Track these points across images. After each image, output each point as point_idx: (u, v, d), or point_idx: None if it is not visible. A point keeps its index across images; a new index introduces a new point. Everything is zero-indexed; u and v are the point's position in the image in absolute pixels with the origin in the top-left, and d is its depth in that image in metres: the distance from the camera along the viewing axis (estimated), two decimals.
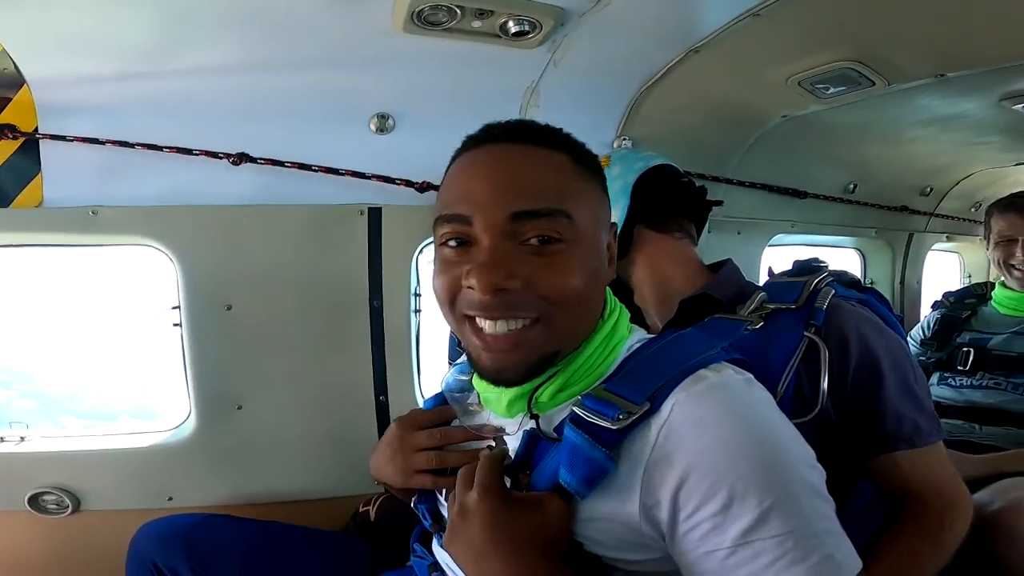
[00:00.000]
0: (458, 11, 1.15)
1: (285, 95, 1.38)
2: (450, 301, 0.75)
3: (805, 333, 0.91)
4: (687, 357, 0.72)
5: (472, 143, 0.77)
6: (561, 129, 0.79)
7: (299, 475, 1.57)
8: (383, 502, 1.42)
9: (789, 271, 1.07)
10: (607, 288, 0.83)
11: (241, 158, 1.40)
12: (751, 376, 0.73)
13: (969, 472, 1.44)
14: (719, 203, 1.32)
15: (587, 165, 0.78)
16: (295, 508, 1.53)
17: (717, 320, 0.94)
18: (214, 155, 1.39)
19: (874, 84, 1.46)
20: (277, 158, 1.44)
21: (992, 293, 1.92)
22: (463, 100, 1.45)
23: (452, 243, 0.74)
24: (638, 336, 0.83)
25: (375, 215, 1.57)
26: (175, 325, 1.47)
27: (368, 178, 1.51)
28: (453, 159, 0.79)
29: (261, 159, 1.42)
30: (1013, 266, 1.81)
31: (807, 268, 1.04)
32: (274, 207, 1.50)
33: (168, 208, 1.43)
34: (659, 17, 1.29)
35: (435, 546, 0.89)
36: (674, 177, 1.21)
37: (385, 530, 1.36)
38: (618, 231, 1.07)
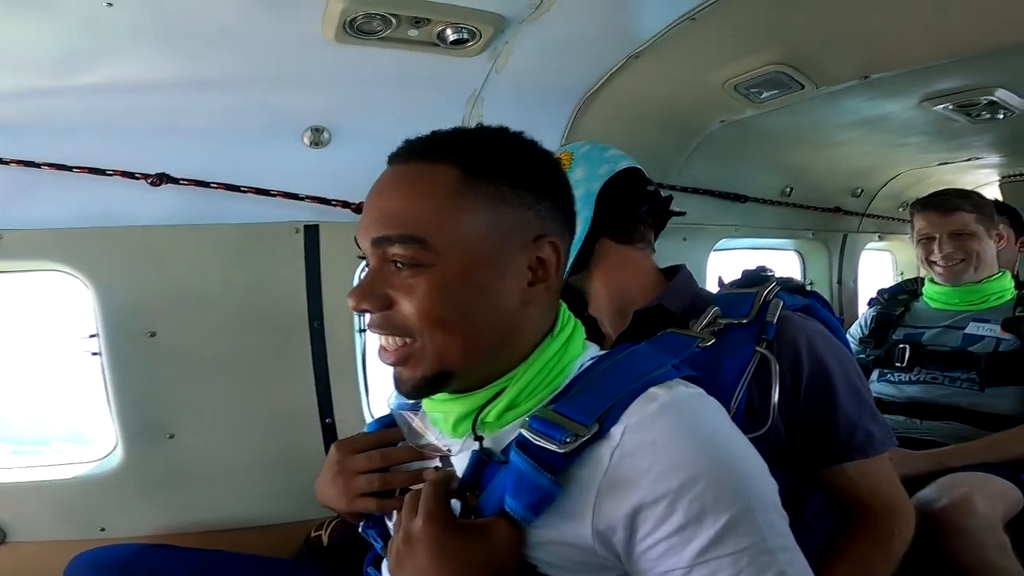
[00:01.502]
0: (393, 20, 1.12)
1: (210, 111, 1.32)
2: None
3: (757, 348, 0.91)
4: (638, 375, 0.70)
5: (388, 161, 0.77)
6: (464, 135, 0.76)
7: (244, 502, 1.49)
8: (336, 526, 1.36)
9: (738, 281, 1.07)
10: (561, 304, 0.79)
11: (161, 179, 1.33)
12: (702, 391, 0.72)
13: (914, 468, 1.49)
14: (682, 213, 1.25)
15: (484, 174, 0.71)
16: (242, 536, 1.46)
17: (669, 336, 0.92)
18: (130, 175, 1.32)
19: (803, 87, 1.50)
20: (201, 178, 1.36)
21: (923, 289, 1.97)
22: (404, 112, 1.41)
23: (365, 264, 0.76)
24: (591, 353, 0.80)
25: (312, 233, 1.51)
26: (93, 354, 1.38)
27: (302, 199, 1.45)
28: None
29: (184, 180, 1.35)
30: (934, 262, 1.86)
31: (756, 279, 1.05)
32: (200, 227, 1.42)
33: (80, 231, 1.34)
34: (599, 23, 1.29)
35: (385, 569, 0.84)
36: (641, 183, 1.14)
37: (339, 555, 1.30)
38: (579, 242, 1.06)
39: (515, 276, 0.72)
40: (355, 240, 0.75)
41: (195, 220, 1.41)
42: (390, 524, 0.84)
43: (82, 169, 1.28)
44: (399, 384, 0.74)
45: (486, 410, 0.73)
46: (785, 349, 0.93)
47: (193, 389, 1.45)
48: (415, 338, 0.70)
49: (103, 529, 1.41)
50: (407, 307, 0.69)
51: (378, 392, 1.64)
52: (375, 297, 0.70)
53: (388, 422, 0.89)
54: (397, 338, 0.71)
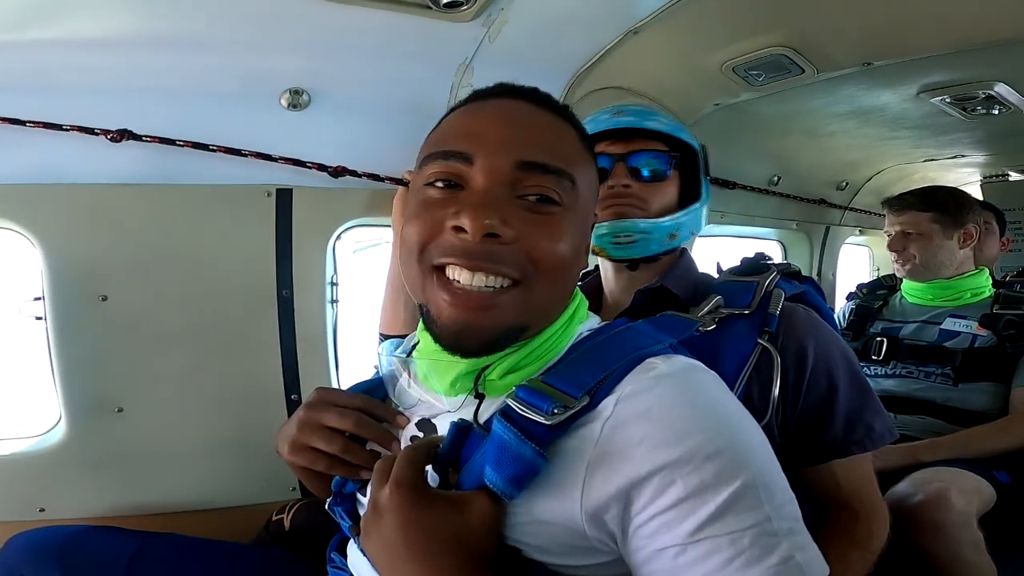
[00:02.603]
0: None
1: (182, 69, 1.23)
2: (420, 249, 0.68)
3: (759, 341, 0.90)
4: (633, 348, 0.67)
5: (483, 94, 0.75)
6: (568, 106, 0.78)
7: (199, 483, 1.42)
8: (298, 510, 1.30)
9: (738, 269, 1.06)
10: None
11: (122, 135, 1.23)
12: (703, 365, 0.69)
13: (889, 462, 1.51)
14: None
15: (589, 145, 0.77)
16: (196, 518, 1.39)
17: (669, 316, 0.90)
18: (90, 131, 1.22)
19: (804, 72, 1.48)
20: (168, 135, 1.27)
21: (901, 284, 1.99)
22: (390, 77, 1.34)
23: (440, 183, 0.69)
24: (590, 323, 0.77)
25: (284, 197, 1.42)
26: (37, 318, 1.28)
27: (275, 160, 1.37)
28: (453, 109, 0.77)
29: (147, 136, 1.26)
30: (893, 261, 1.91)
31: (756, 267, 1.04)
32: (162, 187, 1.32)
33: (29, 187, 1.24)
34: None
35: (351, 550, 0.81)
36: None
37: (301, 539, 1.25)
38: None
39: (589, 241, 0.78)
40: (436, 154, 0.69)
41: (157, 180, 1.31)
42: (361, 502, 0.79)
43: (36, 124, 1.19)
44: (462, 334, 0.67)
45: (491, 367, 0.69)
46: (790, 344, 0.92)
47: (146, 359, 1.36)
48: (523, 280, 0.66)
49: (42, 510, 1.32)
50: (537, 243, 0.66)
51: (348, 368, 1.58)
52: (504, 222, 0.64)
53: (369, 387, 0.85)
54: (496, 277, 0.66)
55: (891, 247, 1.89)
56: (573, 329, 0.74)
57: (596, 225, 0.99)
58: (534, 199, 0.67)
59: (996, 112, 1.70)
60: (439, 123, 0.76)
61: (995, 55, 1.39)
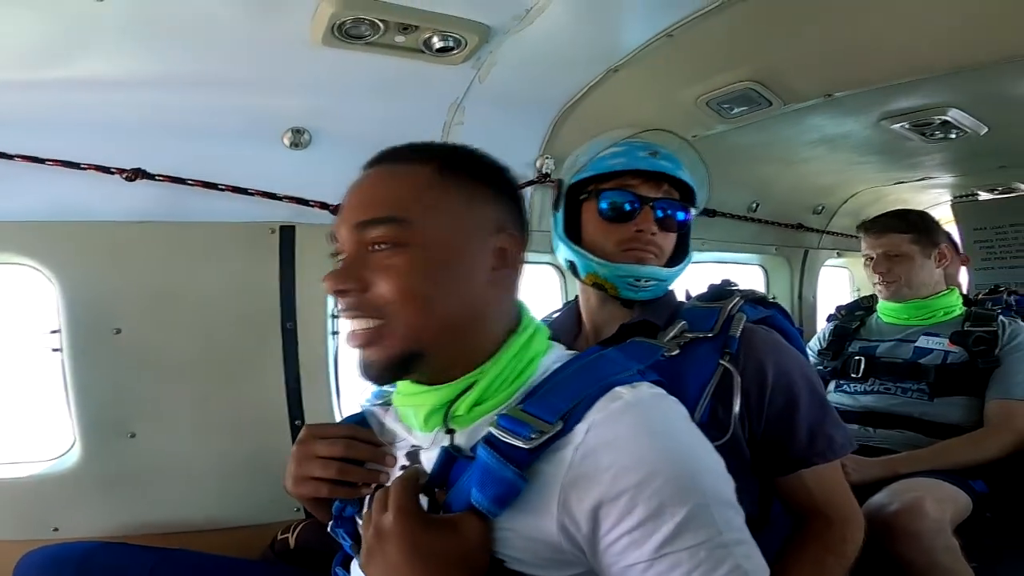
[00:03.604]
0: (381, 25, 1.12)
1: (191, 109, 1.29)
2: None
3: (720, 361, 0.95)
4: (603, 376, 0.73)
5: (365, 168, 0.83)
6: (438, 144, 0.85)
7: (207, 503, 1.46)
8: (303, 529, 1.34)
9: (704, 295, 1.12)
10: (523, 304, 0.84)
11: (136, 174, 1.30)
12: (665, 392, 0.75)
13: (868, 475, 1.54)
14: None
15: (459, 173, 0.79)
16: (205, 537, 1.43)
17: (636, 344, 0.95)
18: (105, 170, 1.28)
19: (771, 104, 1.55)
20: (179, 175, 1.34)
21: (877, 305, 2.05)
22: (386, 116, 1.42)
23: (338, 259, 0.79)
24: (558, 353, 0.83)
25: (287, 233, 1.50)
26: (54, 350, 1.34)
27: (280, 198, 1.44)
28: None
29: (159, 175, 1.32)
30: (874, 283, 1.96)
31: (721, 293, 1.10)
32: (172, 224, 1.40)
33: (48, 224, 1.30)
34: (581, 36, 1.31)
35: (354, 568, 0.85)
36: None
37: (306, 557, 1.29)
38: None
39: (482, 259, 0.77)
40: (328, 236, 0.79)
41: (168, 217, 1.38)
42: (360, 522, 0.84)
43: (55, 162, 1.24)
44: (367, 368, 0.75)
45: (457, 403, 0.75)
46: (750, 364, 0.97)
47: (157, 388, 1.41)
48: (386, 319, 0.73)
49: (56, 529, 1.36)
50: (383, 286, 0.72)
51: (349, 395, 1.62)
52: (353, 278, 0.73)
53: (360, 419, 0.91)
54: (369, 320, 0.73)
55: (875, 269, 1.93)
56: (532, 358, 0.78)
57: (614, 265, 1.06)
58: (377, 247, 0.74)
59: (953, 136, 1.78)
60: None
61: (947, 83, 1.48)
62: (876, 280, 1.95)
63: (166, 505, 1.43)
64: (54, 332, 1.34)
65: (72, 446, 1.39)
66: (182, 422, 1.44)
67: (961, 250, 2.47)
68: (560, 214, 1.15)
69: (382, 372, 0.75)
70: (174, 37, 1.12)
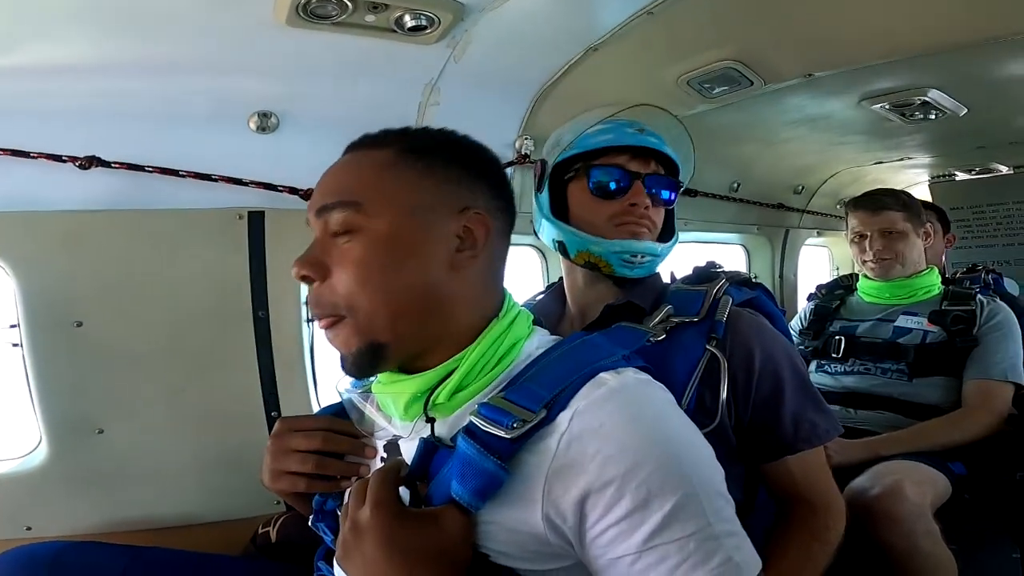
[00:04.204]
0: (349, 4, 1.07)
1: (149, 94, 1.24)
2: None
3: (707, 347, 0.94)
4: (587, 362, 0.71)
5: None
6: (407, 128, 0.81)
7: (185, 498, 1.43)
8: (284, 522, 1.32)
9: (689, 278, 1.10)
10: (506, 290, 0.81)
11: (91, 161, 1.24)
12: (650, 378, 0.74)
13: (850, 456, 1.55)
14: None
15: (418, 154, 0.77)
16: (184, 533, 1.41)
17: (622, 329, 0.93)
18: (57, 158, 1.23)
19: (752, 84, 1.54)
20: (136, 162, 1.28)
21: (857, 284, 2.06)
22: (358, 98, 1.37)
23: None
24: (541, 338, 0.81)
25: (257, 219, 1.45)
26: (14, 345, 1.29)
27: (246, 184, 1.39)
28: None
29: (116, 163, 1.27)
30: (865, 260, 1.95)
31: (706, 275, 1.08)
32: (134, 212, 1.34)
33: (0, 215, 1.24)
34: (560, 14, 1.27)
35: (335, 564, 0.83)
36: None
37: (288, 551, 1.27)
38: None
39: (442, 241, 0.75)
40: (307, 222, 0.78)
41: (127, 205, 1.33)
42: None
43: (4, 151, 1.19)
44: (341, 362, 0.75)
45: (437, 391, 0.73)
46: (737, 349, 0.96)
47: (124, 382, 1.37)
48: (343, 313, 0.72)
49: (29, 528, 1.33)
50: (340, 276, 0.72)
51: (327, 384, 1.60)
52: (314, 265, 0.73)
53: (338, 409, 0.88)
54: (329, 314, 0.73)
55: (871, 247, 1.91)
56: (511, 344, 0.76)
57: (609, 241, 1.03)
58: (337, 233, 0.74)
59: (933, 117, 1.78)
60: None
61: (927, 64, 1.47)
62: (868, 258, 1.93)
63: (142, 501, 1.41)
64: (13, 327, 1.29)
65: (39, 444, 1.36)
66: (152, 416, 1.40)
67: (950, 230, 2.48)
68: (545, 194, 1.12)
69: (353, 367, 0.74)
70: (129, 20, 1.06)
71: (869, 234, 1.92)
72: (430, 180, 0.76)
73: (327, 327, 0.74)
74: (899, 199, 1.93)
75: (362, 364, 0.74)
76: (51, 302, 1.30)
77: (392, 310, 0.72)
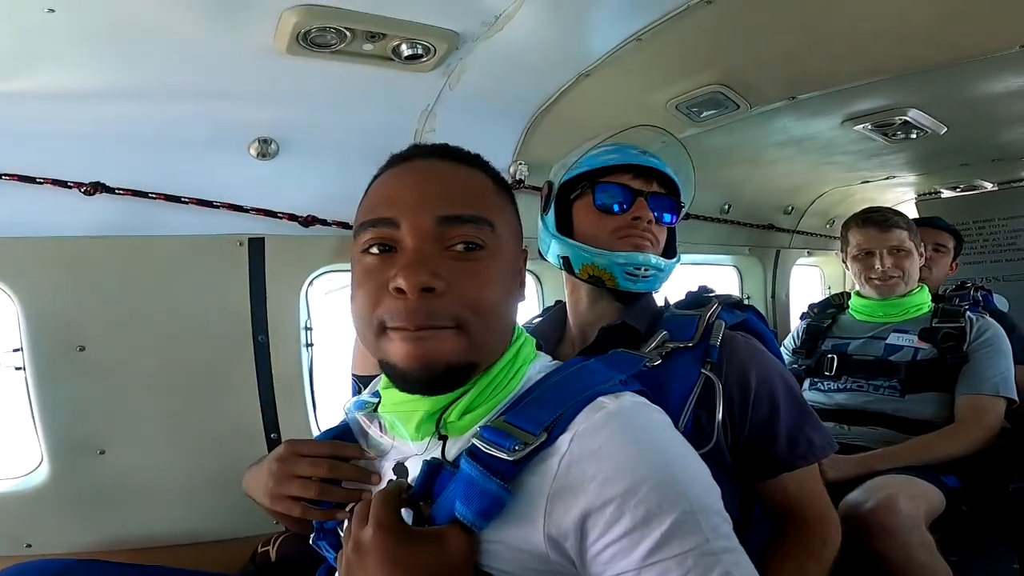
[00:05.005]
0: (348, 34, 1.10)
1: (153, 120, 1.27)
2: (370, 311, 0.72)
3: (702, 371, 0.96)
4: (586, 387, 0.73)
5: (399, 159, 0.79)
6: (475, 154, 0.81)
7: (185, 518, 1.44)
8: (284, 541, 1.33)
9: (683, 303, 1.13)
10: None
11: (95, 187, 1.27)
12: (648, 401, 0.75)
13: (844, 472, 1.56)
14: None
15: (504, 188, 0.81)
16: (184, 552, 1.42)
17: (619, 354, 0.96)
18: (63, 184, 1.25)
19: (739, 107, 1.58)
20: (140, 188, 1.31)
21: (849, 302, 2.08)
22: (356, 124, 1.41)
23: (375, 250, 0.73)
24: (542, 362, 0.83)
25: (257, 246, 1.48)
26: (17, 369, 1.31)
27: (247, 211, 1.42)
28: (376, 176, 0.80)
29: (120, 189, 1.29)
30: (872, 278, 1.94)
31: (698, 300, 1.11)
32: (136, 239, 1.37)
33: (4, 240, 1.26)
34: (551, 41, 1.31)
35: None
36: None
37: (287, 570, 1.27)
38: None
39: (519, 273, 0.81)
40: (367, 223, 0.73)
41: (131, 231, 1.35)
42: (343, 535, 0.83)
43: (11, 177, 1.21)
44: (420, 373, 0.71)
45: (450, 410, 0.74)
46: (732, 371, 0.98)
47: (126, 405, 1.38)
48: (459, 326, 0.70)
49: (29, 545, 1.34)
50: (468, 289, 0.70)
51: (325, 408, 1.61)
52: (435, 277, 0.69)
53: (338, 433, 0.89)
54: (442, 326, 0.70)
55: (882, 264, 1.91)
56: (520, 367, 0.78)
57: (612, 253, 1.06)
58: (461, 248, 0.71)
59: (914, 136, 1.83)
60: (367, 191, 0.80)
61: (906, 84, 1.52)
62: (876, 275, 1.93)
63: (142, 521, 1.41)
64: (16, 350, 1.31)
65: (40, 464, 1.37)
66: (154, 438, 1.41)
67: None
68: (551, 214, 1.15)
69: (444, 378, 0.72)
70: (132, 47, 1.09)
71: (878, 251, 1.92)
72: (515, 213, 0.80)
73: (433, 336, 0.70)
74: (904, 217, 1.96)
75: (449, 382, 0.72)
76: (54, 327, 1.32)
77: (496, 335, 0.75)
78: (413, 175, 0.76)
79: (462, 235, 0.71)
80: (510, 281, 0.77)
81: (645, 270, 1.07)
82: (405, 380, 0.73)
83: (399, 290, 0.69)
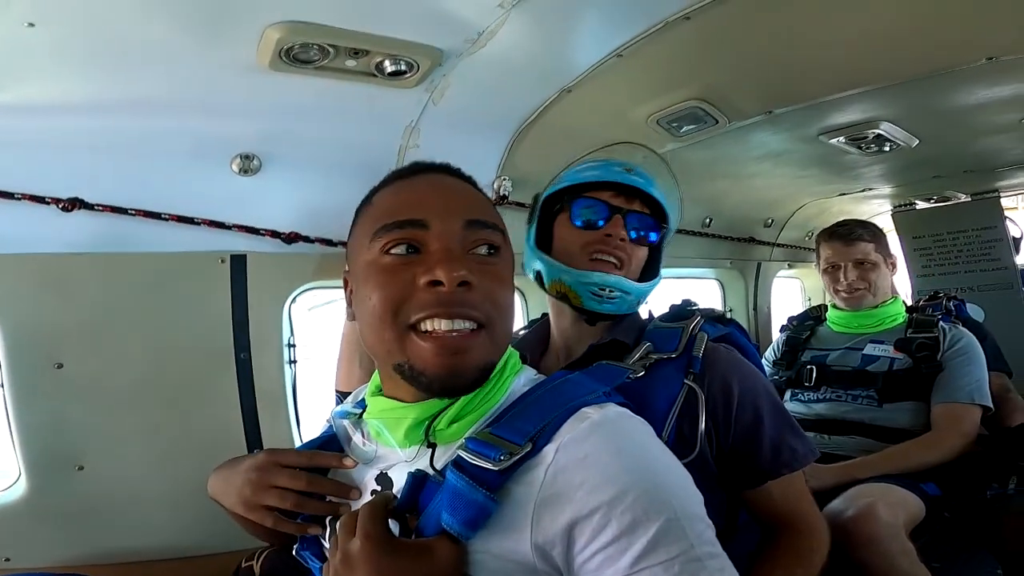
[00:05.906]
0: (331, 50, 1.11)
1: (132, 135, 1.26)
2: (394, 311, 0.73)
3: (685, 381, 0.97)
4: (570, 399, 0.74)
5: (404, 173, 0.82)
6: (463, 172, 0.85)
7: (167, 532, 1.43)
8: (268, 556, 1.28)
9: (666, 316, 1.13)
10: None
11: (74, 204, 1.26)
12: (630, 411, 0.77)
13: (824, 481, 1.57)
14: None
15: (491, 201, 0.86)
16: (166, 567, 1.41)
17: (603, 367, 0.97)
18: (40, 200, 1.24)
19: (717, 122, 1.61)
20: (120, 204, 1.30)
21: (826, 314, 2.12)
22: (338, 141, 1.41)
23: (399, 250, 0.74)
24: (527, 376, 0.84)
25: (239, 263, 1.47)
26: None
27: (228, 227, 1.41)
28: (377, 189, 0.83)
29: (99, 205, 1.28)
30: (839, 290, 2.00)
31: (682, 313, 1.12)
32: (115, 256, 1.35)
33: None
34: (534, 57, 1.33)
35: None
36: None
37: None
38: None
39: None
40: (394, 223, 0.74)
41: (111, 248, 1.34)
42: (326, 545, 0.82)
43: None
44: (454, 375, 0.73)
45: (439, 418, 0.75)
46: (715, 382, 0.99)
47: (104, 421, 1.37)
48: (485, 323, 0.73)
49: (8, 560, 1.32)
50: (493, 288, 0.74)
51: (309, 425, 1.59)
52: (469, 270, 0.72)
53: (321, 443, 0.89)
54: (468, 321, 0.72)
55: (846, 277, 1.96)
56: (506, 378, 0.79)
57: (579, 272, 1.06)
58: (484, 251, 0.76)
59: (887, 149, 1.86)
60: (371, 202, 0.81)
61: (878, 97, 1.55)
62: (842, 288, 1.98)
63: (124, 535, 1.40)
64: None
65: (18, 479, 1.35)
66: (133, 454, 1.40)
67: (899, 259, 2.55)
68: (533, 227, 1.16)
69: (470, 381, 0.74)
70: (113, 61, 1.09)
71: (843, 265, 1.97)
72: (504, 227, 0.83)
73: (467, 333, 0.72)
74: (870, 230, 2.00)
75: (479, 379, 0.75)
76: (32, 343, 1.30)
77: (508, 336, 0.79)
78: (432, 183, 0.79)
79: (484, 239, 0.76)
80: (513, 288, 0.81)
81: (610, 291, 1.05)
82: (433, 388, 0.74)
83: (433, 283, 0.71)
